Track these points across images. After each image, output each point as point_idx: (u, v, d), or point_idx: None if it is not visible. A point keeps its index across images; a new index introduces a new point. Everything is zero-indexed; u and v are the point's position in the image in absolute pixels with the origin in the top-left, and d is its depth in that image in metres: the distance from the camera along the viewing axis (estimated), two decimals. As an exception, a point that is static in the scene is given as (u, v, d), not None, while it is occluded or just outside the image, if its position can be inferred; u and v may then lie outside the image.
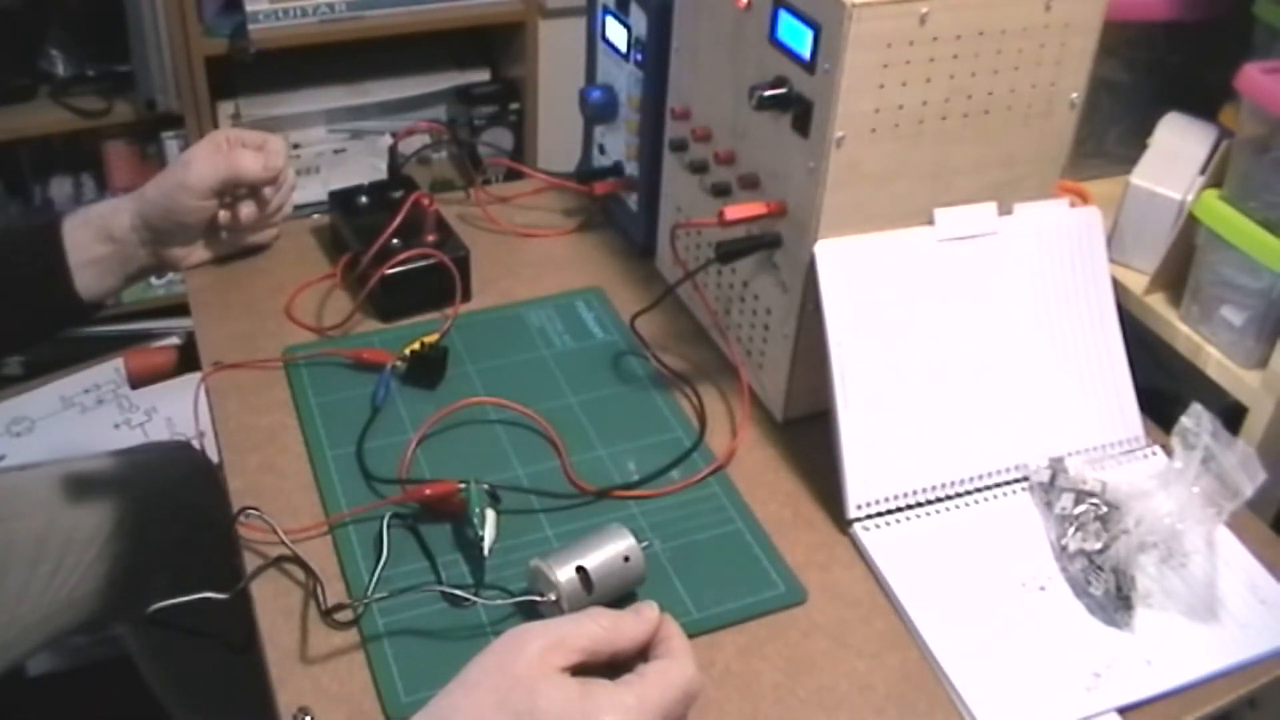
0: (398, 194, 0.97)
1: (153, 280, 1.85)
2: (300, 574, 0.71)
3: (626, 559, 0.67)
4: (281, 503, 0.76)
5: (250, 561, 0.72)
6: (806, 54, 0.73)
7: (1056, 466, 0.79)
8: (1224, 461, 0.72)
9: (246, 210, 0.96)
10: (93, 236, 0.91)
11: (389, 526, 0.73)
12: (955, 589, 0.73)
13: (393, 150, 1.00)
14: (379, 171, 0.99)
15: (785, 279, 0.81)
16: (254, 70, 1.75)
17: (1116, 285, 0.86)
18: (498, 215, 1.07)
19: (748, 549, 0.76)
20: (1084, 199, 0.99)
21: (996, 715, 0.66)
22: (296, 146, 1.89)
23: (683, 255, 0.93)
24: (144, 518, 1.07)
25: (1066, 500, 0.77)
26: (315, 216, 1.05)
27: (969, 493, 0.79)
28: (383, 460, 0.80)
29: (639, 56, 0.94)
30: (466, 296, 0.95)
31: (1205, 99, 1.00)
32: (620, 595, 0.68)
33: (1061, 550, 0.75)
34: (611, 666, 0.57)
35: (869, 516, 0.77)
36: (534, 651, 0.55)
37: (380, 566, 0.71)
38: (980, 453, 0.80)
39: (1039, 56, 0.77)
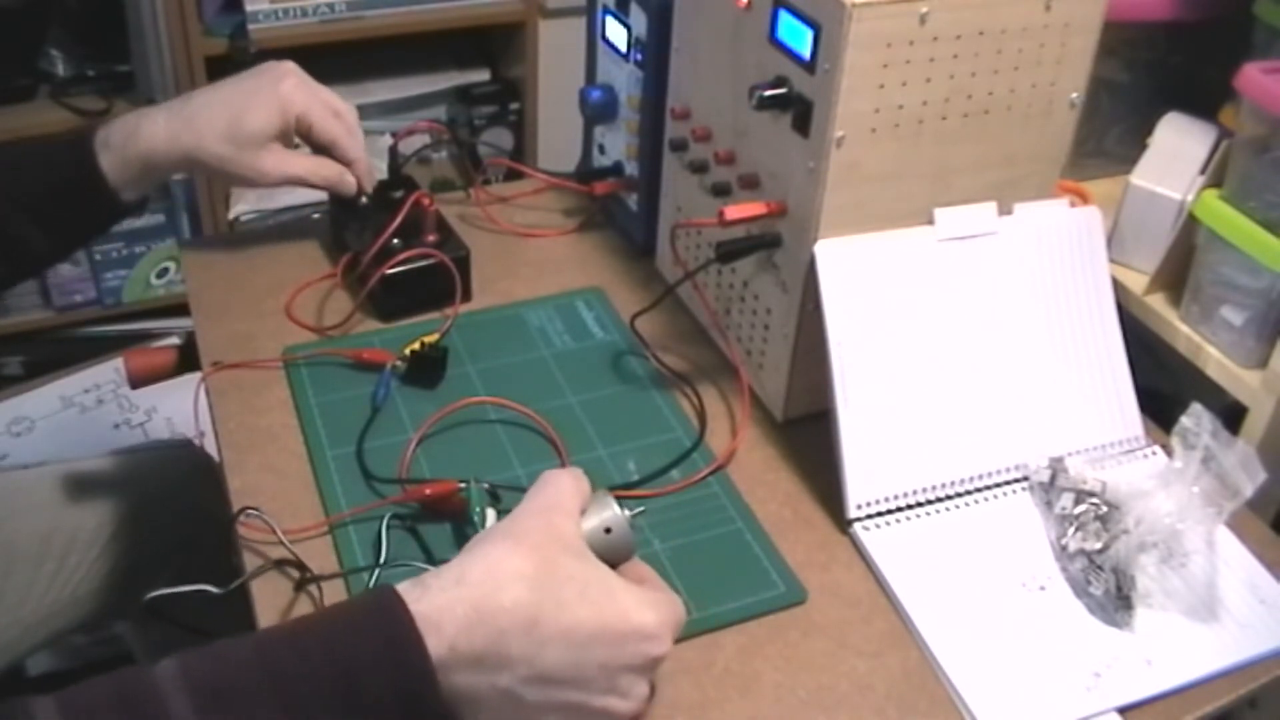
0: (398, 194, 0.97)
1: (152, 280, 1.85)
2: (298, 573, 0.71)
3: (608, 530, 0.62)
4: (281, 503, 0.76)
5: (250, 561, 0.72)
6: (806, 54, 0.73)
7: (1056, 466, 0.79)
8: (1224, 461, 0.72)
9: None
10: (136, 174, 0.88)
11: (389, 526, 0.73)
12: (955, 589, 0.73)
13: (393, 150, 1.00)
14: (379, 171, 0.99)
15: (785, 279, 0.81)
16: (254, 70, 1.75)
17: (1116, 285, 0.86)
18: (498, 215, 1.07)
19: (748, 549, 0.76)
20: (1084, 199, 0.99)
21: (996, 715, 0.66)
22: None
23: (683, 255, 0.93)
24: (146, 517, 1.07)
25: (1066, 500, 0.77)
26: (315, 216, 1.05)
27: (969, 493, 0.80)
28: (383, 460, 0.80)
29: (639, 56, 0.94)
30: (466, 296, 0.95)
31: (1205, 99, 1.00)
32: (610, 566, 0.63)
33: (1061, 550, 0.75)
34: None
35: (869, 516, 0.77)
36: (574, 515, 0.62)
37: (380, 566, 0.71)
38: (980, 453, 0.80)
39: (1039, 56, 0.77)
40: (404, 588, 0.55)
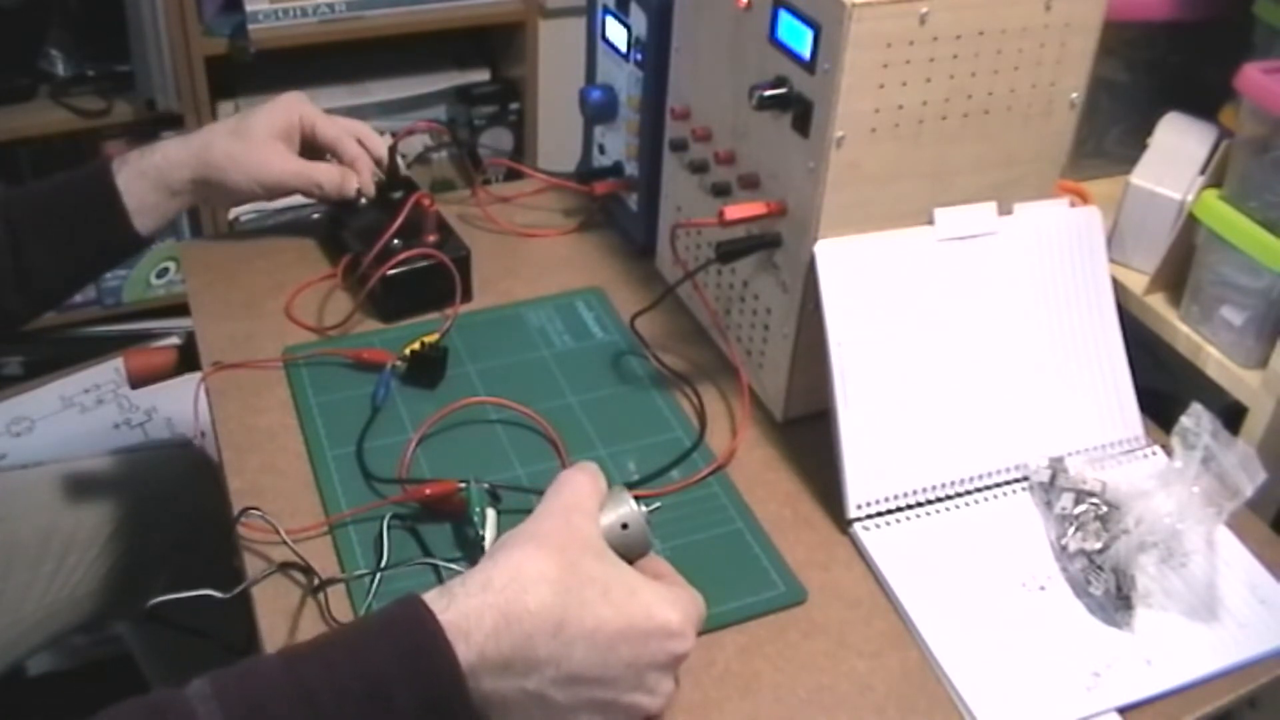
0: (398, 194, 0.97)
1: (152, 280, 1.85)
2: (300, 574, 0.71)
3: (624, 526, 0.64)
4: (281, 503, 0.76)
5: (250, 561, 0.72)
6: (806, 54, 0.73)
7: (1056, 466, 0.79)
8: (1224, 461, 0.72)
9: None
10: (149, 187, 0.92)
11: (389, 526, 0.73)
12: (955, 589, 0.73)
13: (393, 150, 1.00)
14: (379, 172, 0.99)
15: (785, 279, 0.81)
16: (254, 70, 1.75)
17: (1116, 285, 0.86)
18: (498, 215, 1.07)
19: (748, 549, 0.76)
20: (1084, 199, 0.99)
21: (996, 715, 0.66)
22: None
23: (683, 255, 0.93)
24: (145, 517, 1.07)
25: (1066, 500, 0.77)
26: (315, 216, 1.05)
27: (969, 493, 0.80)
28: (383, 460, 0.80)
29: (639, 56, 0.94)
30: (467, 296, 0.95)
31: (1205, 99, 1.00)
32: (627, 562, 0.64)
33: (1061, 550, 0.75)
34: None
35: (869, 516, 0.77)
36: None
37: (381, 566, 0.71)
38: (980, 453, 0.80)
39: (1039, 56, 0.77)
40: (430, 596, 0.56)
